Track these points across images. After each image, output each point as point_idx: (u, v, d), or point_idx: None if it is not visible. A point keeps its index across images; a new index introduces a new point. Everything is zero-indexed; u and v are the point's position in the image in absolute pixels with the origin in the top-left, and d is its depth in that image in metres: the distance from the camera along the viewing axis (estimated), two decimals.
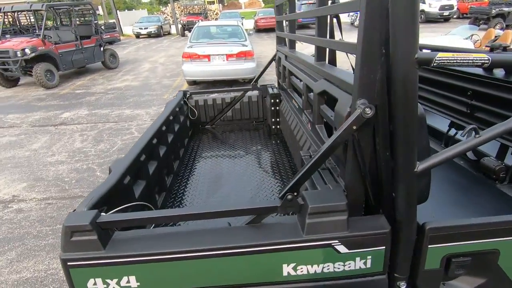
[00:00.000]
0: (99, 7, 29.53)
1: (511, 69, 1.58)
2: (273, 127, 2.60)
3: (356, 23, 19.63)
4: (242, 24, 20.95)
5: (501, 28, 11.59)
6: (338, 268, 0.84)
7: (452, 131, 1.89)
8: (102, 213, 0.85)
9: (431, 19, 18.11)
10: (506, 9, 13.79)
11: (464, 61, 0.67)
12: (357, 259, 0.84)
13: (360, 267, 0.85)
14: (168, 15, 26.05)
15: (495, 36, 7.47)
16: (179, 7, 26.11)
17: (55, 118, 6.11)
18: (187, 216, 0.89)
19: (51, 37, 8.60)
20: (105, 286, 0.82)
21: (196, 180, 1.82)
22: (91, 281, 0.81)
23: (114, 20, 21.96)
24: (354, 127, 0.76)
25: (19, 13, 11.08)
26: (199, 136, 2.54)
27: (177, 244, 0.81)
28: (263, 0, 51.56)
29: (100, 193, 0.94)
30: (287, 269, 0.84)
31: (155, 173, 1.44)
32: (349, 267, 0.85)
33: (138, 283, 0.82)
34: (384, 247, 0.83)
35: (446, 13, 18.06)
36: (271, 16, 20.90)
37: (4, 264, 2.50)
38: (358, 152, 0.80)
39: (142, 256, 0.79)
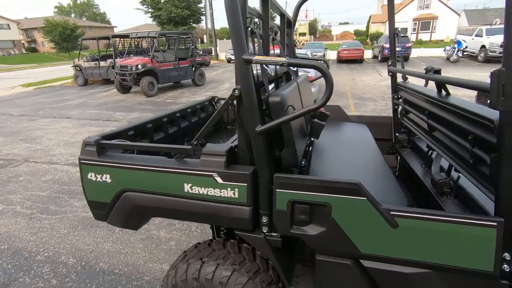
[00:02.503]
0: (205, 36, 34.68)
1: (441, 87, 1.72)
2: None
3: (452, 58, 17.99)
4: (324, 54, 21.39)
5: None
6: (217, 194, 1.26)
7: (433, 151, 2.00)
8: (103, 140, 1.49)
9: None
10: None
11: (270, 61, 1.06)
12: (229, 189, 1.24)
13: (231, 196, 1.24)
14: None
15: None
16: None
17: (144, 118, 7.74)
18: (142, 147, 1.45)
19: (158, 57, 10.89)
20: (95, 178, 1.44)
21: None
22: (90, 174, 1.45)
23: (211, 47, 25.54)
24: (230, 102, 1.21)
25: (141, 39, 14.30)
26: (219, 132, 3.13)
27: (132, 162, 1.38)
28: (355, 33, 51.65)
29: (109, 132, 1.60)
30: (186, 187, 1.30)
31: (159, 141, 2.07)
32: (224, 194, 1.25)
33: (110, 180, 1.42)
34: (246, 184, 1.21)
35: None
36: (354, 48, 20.91)
37: (80, 205, 3.53)
38: (238, 121, 1.23)
39: (112, 163, 1.39)
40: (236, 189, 1.23)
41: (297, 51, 10.82)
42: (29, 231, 3.05)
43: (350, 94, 10.06)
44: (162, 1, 27.23)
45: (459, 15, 36.40)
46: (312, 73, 7.78)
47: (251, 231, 1.30)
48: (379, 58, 20.54)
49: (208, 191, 1.27)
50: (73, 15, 65.80)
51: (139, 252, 2.66)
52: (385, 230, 1.11)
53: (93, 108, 9.12)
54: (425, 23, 36.24)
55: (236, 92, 1.18)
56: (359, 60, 20.75)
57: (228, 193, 1.25)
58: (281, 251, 1.35)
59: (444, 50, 20.03)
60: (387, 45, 19.67)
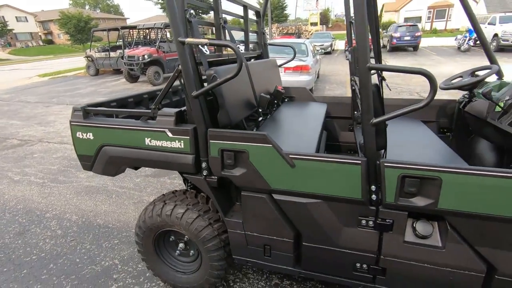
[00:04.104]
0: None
1: None
2: None
3: (463, 47, 17.61)
4: (331, 44, 21.23)
5: None
6: (168, 145, 1.64)
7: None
8: (89, 107, 1.91)
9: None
10: None
11: (198, 42, 1.41)
12: (177, 141, 1.62)
13: (179, 146, 1.63)
14: (267, 34, 28.78)
15: None
16: (277, 28, 28.55)
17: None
18: (114, 111, 1.86)
19: (164, 48, 11.31)
20: (81, 136, 1.86)
21: None
22: (78, 133, 1.87)
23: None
24: (176, 74, 1.59)
25: (149, 30, 14.75)
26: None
27: (109, 123, 1.79)
28: None
29: (94, 103, 2.02)
30: (147, 141, 1.69)
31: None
32: (174, 145, 1.63)
33: (93, 137, 1.83)
34: (188, 137, 1.60)
35: None
36: None
37: (85, 176, 4.03)
38: (184, 89, 1.60)
39: (93, 124, 1.80)
40: (182, 141, 1.63)
41: (299, 40, 10.97)
42: (40, 195, 3.57)
43: (349, 83, 10.21)
44: None
45: (476, 2, 35.06)
46: (307, 62, 8.06)
47: (195, 174, 1.70)
48: (388, 47, 20.31)
49: (162, 143, 1.67)
50: (87, 7, 67.10)
51: (130, 212, 3.12)
52: (286, 169, 1.48)
53: (102, 96, 9.68)
54: (440, 11, 35.14)
55: (180, 66, 1.56)
56: None
57: (176, 144, 1.64)
58: (220, 191, 1.75)
59: (455, 39, 19.60)
60: (396, 34, 19.50)
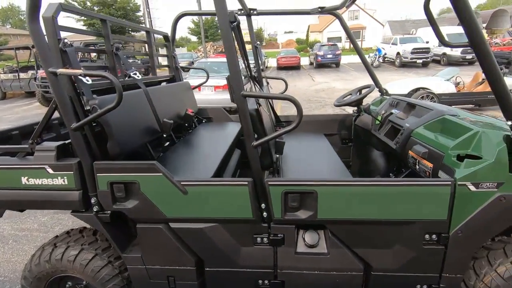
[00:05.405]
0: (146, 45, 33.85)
1: None
2: None
3: (374, 63, 20.20)
4: (266, 61, 22.22)
5: None
6: (50, 182, 1.49)
7: None
8: None
9: (453, 63, 17.82)
10: None
11: (72, 73, 1.36)
12: (59, 178, 1.49)
13: (62, 183, 1.49)
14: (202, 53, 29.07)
15: (482, 79, 7.59)
16: (212, 46, 29.02)
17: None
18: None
19: None
20: None
21: None
22: None
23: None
24: (53, 106, 1.49)
25: None
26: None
27: None
28: (297, 41, 54.80)
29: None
30: (24, 180, 1.51)
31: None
32: (56, 182, 1.49)
33: None
34: (72, 172, 1.48)
35: (469, 56, 17.83)
36: (291, 55, 22.34)
37: None
38: (64, 121, 1.50)
39: None
40: (65, 177, 1.49)
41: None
42: None
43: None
44: (96, 9, 25.99)
45: (383, 25, 41.00)
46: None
47: (86, 211, 1.56)
48: (314, 64, 22.21)
49: (42, 181, 1.51)
50: None
51: None
52: (180, 196, 1.46)
53: (9, 123, 8.44)
54: (355, 33, 39.97)
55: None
56: (296, 67, 22.17)
57: (58, 181, 1.50)
58: (116, 226, 1.64)
59: (368, 57, 22.41)
60: (320, 53, 21.50)
